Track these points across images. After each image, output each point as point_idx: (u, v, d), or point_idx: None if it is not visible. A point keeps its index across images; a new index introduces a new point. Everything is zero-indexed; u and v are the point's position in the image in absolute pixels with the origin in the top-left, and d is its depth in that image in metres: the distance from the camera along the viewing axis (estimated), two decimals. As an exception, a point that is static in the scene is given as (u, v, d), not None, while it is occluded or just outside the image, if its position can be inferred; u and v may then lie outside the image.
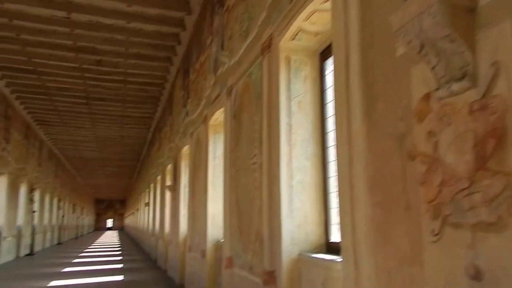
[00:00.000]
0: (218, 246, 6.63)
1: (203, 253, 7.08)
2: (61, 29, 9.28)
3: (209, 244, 6.83)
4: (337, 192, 2.83)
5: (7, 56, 10.92)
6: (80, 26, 9.14)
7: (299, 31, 3.78)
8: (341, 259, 2.69)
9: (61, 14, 8.73)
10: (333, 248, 3.62)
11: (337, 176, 2.82)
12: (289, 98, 3.98)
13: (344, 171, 2.69)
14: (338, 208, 2.83)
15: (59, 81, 12.77)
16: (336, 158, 2.84)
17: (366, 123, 2.50)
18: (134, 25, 9.11)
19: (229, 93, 5.78)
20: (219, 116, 6.84)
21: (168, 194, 12.86)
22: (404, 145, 2.17)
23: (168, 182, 12.42)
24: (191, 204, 8.63)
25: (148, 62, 11.11)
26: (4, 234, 14.49)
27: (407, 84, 2.15)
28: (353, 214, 2.55)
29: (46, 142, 21.50)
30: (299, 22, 3.63)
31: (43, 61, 11.06)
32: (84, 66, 11.34)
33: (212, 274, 6.77)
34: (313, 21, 3.63)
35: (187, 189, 9.91)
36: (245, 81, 5.04)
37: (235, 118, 5.46)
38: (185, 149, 10.03)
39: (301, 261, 3.63)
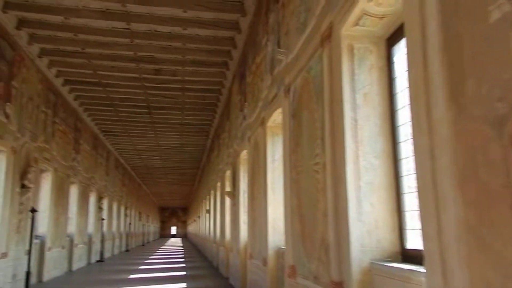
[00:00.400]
0: (280, 253, 6.34)
1: (265, 261, 6.82)
2: (121, 40, 9.55)
3: (271, 251, 6.56)
4: (416, 192, 2.44)
5: (75, 70, 11.48)
6: (139, 36, 9.34)
7: (363, 14, 3.42)
8: (425, 270, 2.29)
9: (121, 25, 8.97)
10: (410, 257, 3.20)
11: (415, 174, 2.43)
12: (353, 91, 3.62)
13: (425, 166, 2.30)
14: (419, 210, 2.43)
15: (122, 92, 13.22)
16: (413, 153, 2.46)
17: (452, 108, 2.10)
18: (190, 31, 9.15)
19: (287, 91, 5.50)
20: (276, 118, 6.58)
21: (228, 200, 12.80)
22: (505, 130, 1.76)
23: (228, 188, 12.36)
24: (250, 209, 8.43)
25: (205, 68, 11.15)
26: (76, 241, 15.21)
27: (507, 54, 1.74)
28: (439, 216, 2.15)
29: (113, 152, 22.50)
30: (363, 3, 3.28)
31: (107, 73, 11.49)
32: (144, 75, 11.62)
33: (274, 283, 6.48)
34: (379, 1, 3.26)
35: (246, 195, 9.74)
36: (304, 76, 4.74)
37: (294, 117, 5.17)
38: (243, 154, 9.88)
39: (374, 271, 3.24)
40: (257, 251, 7.67)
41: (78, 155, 15.35)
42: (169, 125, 17.09)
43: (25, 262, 10.00)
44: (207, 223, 22.25)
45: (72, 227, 15.02)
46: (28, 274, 9.76)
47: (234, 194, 10.88)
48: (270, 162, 6.83)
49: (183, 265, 17.36)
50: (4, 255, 9.03)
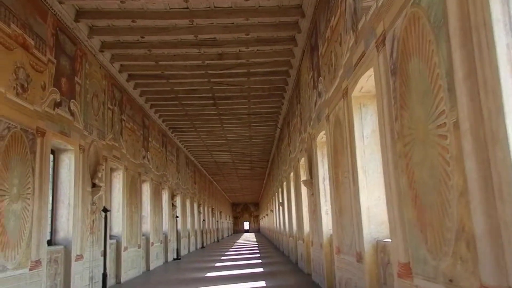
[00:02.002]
0: (380, 247, 5.19)
1: (359, 256, 5.71)
2: (181, 22, 8.88)
3: (367, 245, 5.43)
4: None
5: (137, 63, 11.08)
6: (198, 14, 8.59)
7: None
8: None
9: (179, 4, 8.28)
10: None
11: None
12: (508, 5, 2.42)
13: None
14: None
15: (186, 83, 12.68)
16: None
17: None
18: (252, 2, 8.22)
19: (381, 43, 4.34)
20: (365, 84, 5.43)
21: (304, 191, 11.77)
22: None
23: (303, 177, 11.32)
24: (334, 198, 7.33)
25: (270, 46, 10.19)
26: (151, 240, 15.05)
27: None
28: None
29: (182, 149, 22.40)
30: None
31: (169, 62, 10.95)
32: (207, 61, 10.93)
33: (374, 283, 5.35)
34: None
35: (327, 182, 8.65)
36: (411, 12, 3.56)
37: (396, 74, 4.00)
38: (321, 137, 8.78)
39: None
40: (346, 245, 6.56)
41: (148, 153, 15.16)
42: (236, 116, 16.41)
43: (101, 263, 9.74)
44: (281, 216, 21.39)
45: (147, 226, 14.87)
46: (104, 275, 9.47)
47: (312, 183, 9.81)
48: (358, 139, 5.69)
49: (259, 260, 16.65)
50: (80, 257, 8.77)
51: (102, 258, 9.79)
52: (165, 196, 18.21)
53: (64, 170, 8.67)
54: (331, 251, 8.38)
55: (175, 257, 18.92)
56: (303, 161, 11.71)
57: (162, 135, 17.71)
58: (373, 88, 5.48)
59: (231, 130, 18.71)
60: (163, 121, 16.90)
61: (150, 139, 15.54)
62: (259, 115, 16.41)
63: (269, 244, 29.84)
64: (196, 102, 14.51)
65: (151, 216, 15.30)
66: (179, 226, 20.81)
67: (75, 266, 8.49)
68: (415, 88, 3.56)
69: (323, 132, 8.36)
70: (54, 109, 7.90)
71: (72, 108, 8.69)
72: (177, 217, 19.63)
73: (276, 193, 23.43)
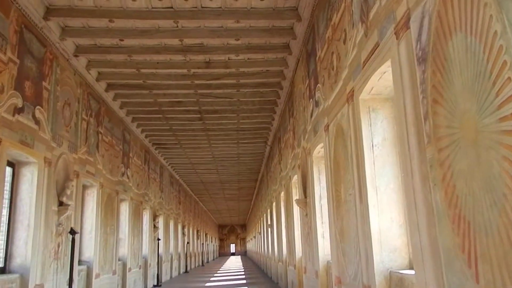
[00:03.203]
0: (396, 280, 4.25)
1: (368, 291, 4.75)
2: (164, 23, 8.01)
3: (379, 277, 4.48)
4: None
5: (115, 70, 10.15)
6: (184, 15, 7.75)
7: None
8: None
9: (161, 3, 7.45)
10: None
11: None
12: None
13: None
14: None
15: (170, 94, 11.77)
16: None
17: None
18: (243, 2, 7.43)
19: (403, 27, 3.51)
20: (376, 83, 4.58)
21: (296, 211, 10.81)
22: None
23: (296, 197, 10.38)
24: (334, 219, 6.39)
25: (262, 54, 9.38)
26: (129, 265, 13.82)
27: None
28: None
29: (166, 167, 21.31)
30: None
31: (151, 70, 10.05)
32: (193, 70, 10.06)
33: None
34: None
35: (324, 201, 7.73)
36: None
37: (426, 60, 3.15)
38: (317, 151, 7.91)
39: None
40: (350, 276, 5.59)
41: (128, 170, 14.09)
42: (224, 132, 15.50)
43: (67, 292, 8.56)
44: (269, 239, 20.27)
45: (124, 250, 13.65)
46: (69, 307, 8.28)
47: (306, 202, 8.87)
48: (367, 150, 4.81)
49: (247, 288, 15.47)
50: (40, 287, 7.60)
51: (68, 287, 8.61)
52: (146, 217, 17.02)
53: (25, 185, 7.58)
54: (329, 281, 7.39)
55: (155, 283, 17.58)
56: (295, 179, 10.79)
57: (145, 151, 16.66)
58: (386, 89, 4.65)
59: (219, 147, 17.77)
60: (146, 136, 15.89)
61: (131, 155, 14.48)
62: (248, 131, 15.53)
63: (256, 269, 28.53)
64: (182, 116, 13.58)
65: (129, 239, 14.10)
66: (161, 250, 19.53)
67: (33, 298, 7.32)
68: (460, 73, 2.70)
69: (321, 145, 7.49)
70: (13, 115, 6.88)
71: (37, 116, 7.67)
72: (158, 239, 18.38)
73: (265, 214, 22.37)
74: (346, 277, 5.79)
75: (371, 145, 4.82)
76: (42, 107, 7.86)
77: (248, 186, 29.15)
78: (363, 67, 4.68)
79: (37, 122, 7.67)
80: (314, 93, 7.59)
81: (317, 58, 7.24)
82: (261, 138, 16.65)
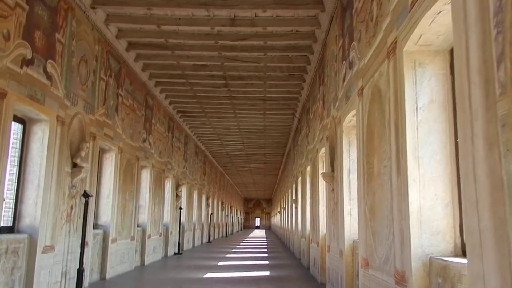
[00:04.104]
0: (438, 268, 3.53)
1: (401, 277, 4.05)
2: (184, -28, 7.28)
3: (416, 263, 3.77)
4: None
5: (135, 26, 9.52)
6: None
7: None
8: None
9: None
10: None
11: None
12: None
13: None
14: None
15: (194, 57, 11.12)
16: None
17: None
18: None
19: None
20: (426, 29, 3.75)
21: (322, 187, 10.12)
22: None
23: (323, 170, 9.67)
24: (364, 195, 5.66)
25: (292, 10, 8.51)
26: (148, 232, 13.59)
27: None
28: None
29: (191, 137, 20.92)
30: None
31: (173, 27, 9.38)
32: (218, 28, 9.32)
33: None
34: None
35: (353, 175, 6.99)
36: None
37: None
38: (348, 120, 7.12)
39: None
40: (379, 258, 4.90)
41: (150, 136, 13.69)
42: (250, 101, 14.79)
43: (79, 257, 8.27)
44: (293, 214, 19.74)
45: (144, 217, 13.41)
46: (80, 271, 7.99)
47: (333, 176, 8.16)
48: (410, 113, 4.02)
49: (267, 262, 15.05)
50: (49, 248, 7.31)
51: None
52: (168, 185, 16.75)
53: (36, 144, 7.19)
54: (354, 262, 6.73)
55: (176, 251, 17.46)
56: (323, 152, 10.05)
57: (169, 119, 16.22)
58: (437, 37, 3.83)
59: (244, 117, 17.11)
60: (169, 103, 15.39)
61: (153, 121, 14.05)
62: (275, 101, 14.76)
63: (279, 243, 28.25)
64: (206, 82, 12.95)
65: (150, 206, 13.84)
66: (183, 219, 19.36)
67: (41, 259, 7.03)
68: None
69: (353, 113, 6.70)
70: (21, 67, 6.41)
71: (49, 71, 7.19)
72: (181, 208, 18.16)
73: (290, 189, 21.79)
74: (375, 259, 5.10)
75: (415, 107, 4.02)
76: (55, 61, 7.37)
77: (274, 161, 28.55)
78: (411, 8, 3.84)
79: (48, 77, 7.20)
80: (348, 53, 6.75)
81: (353, 10, 6.36)
82: (289, 109, 15.87)
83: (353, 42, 6.40)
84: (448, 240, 3.78)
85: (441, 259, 3.52)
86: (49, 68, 7.19)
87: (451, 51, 3.97)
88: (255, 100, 14.67)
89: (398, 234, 4.14)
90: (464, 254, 3.67)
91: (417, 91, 4.05)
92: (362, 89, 5.80)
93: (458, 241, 3.75)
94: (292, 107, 15.43)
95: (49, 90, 7.24)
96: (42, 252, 7.06)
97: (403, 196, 4.02)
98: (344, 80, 7.14)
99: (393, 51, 4.38)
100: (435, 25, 3.66)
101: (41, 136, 7.23)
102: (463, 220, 2.78)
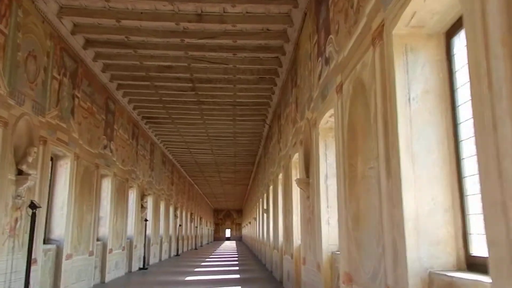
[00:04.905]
0: (443, 286, 2.96)
1: (393, 296, 3.46)
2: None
3: (414, 280, 3.19)
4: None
5: (93, 21, 8.72)
6: None
7: None
8: None
9: None
10: None
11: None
12: None
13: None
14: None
15: (159, 57, 10.39)
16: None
17: None
18: None
19: None
20: (420, 5, 3.23)
21: (295, 194, 9.54)
22: None
23: (297, 176, 9.09)
24: (346, 201, 5.09)
25: (263, 6, 7.96)
26: (110, 246, 12.59)
27: None
28: None
29: (158, 145, 19.99)
30: None
31: (135, 23, 8.64)
32: (183, 25, 8.65)
33: None
34: None
35: (332, 181, 6.43)
36: None
37: None
38: (325, 121, 6.58)
39: None
40: (366, 274, 4.32)
41: (112, 143, 12.76)
42: (219, 106, 14.13)
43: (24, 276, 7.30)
44: (264, 225, 19.08)
45: (104, 229, 12.42)
46: (24, 293, 7.04)
47: (308, 183, 7.58)
48: (402, 104, 3.47)
49: (237, 275, 14.29)
50: (-13, 268, 6.34)
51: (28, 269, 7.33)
52: (133, 196, 15.77)
53: (-29, 147, 6.27)
54: (334, 276, 6.14)
55: (141, 266, 16.41)
56: (296, 158, 9.49)
57: (133, 125, 15.32)
58: (432, 17, 3.33)
59: (214, 124, 16.41)
60: (134, 108, 14.52)
61: (115, 126, 13.14)
62: (246, 106, 14.17)
63: (250, 254, 27.46)
64: (172, 85, 12.21)
65: (111, 218, 12.85)
66: (149, 231, 18.34)
67: (-24, 282, 6.07)
68: None
69: (330, 113, 6.16)
70: (-49, 57, 5.53)
71: (-13, 64, 6.32)
72: (146, 220, 17.16)
73: (261, 199, 21.14)
74: (360, 275, 4.51)
75: (408, 98, 3.49)
76: (-6, 54, 6.49)
77: (245, 170, 27.89)
78: (402, -15, 3.32)
79: (-13, 71, 6.31)
80: (325, 48, 6.23)
81: (329, 1, 5.85)
82: (260, 115, 15.30)
83: (330, 36, 5.88)
84: (450, 251, 3.23)
85: (445, 275, 2.96)
86: (-12, 62, 6.31)
87: (447, 34, 3.48)
88: (224, 105, 14.03)
89: (390, 246, 3.56)
90: (469, 268, 3.13)
91: (409, 80, 3.52)
92: (341, 85, 5.26)
93: (462, 252, 3.20)
94: (263, 113, 14.88)
95: (-12, 86, 6.34)
96: (-23, 273, 6.11)
97: (395, 202, 3.46)
98: (319, 79, 6.61)
99: (379, 36, 3.85)
100: (430, 1, 3.15)
101: (-23, 139, 6.31)
102: (485, 229, 2.21)
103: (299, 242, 9.27)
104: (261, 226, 21.80)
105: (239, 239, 67.66)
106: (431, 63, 3.50)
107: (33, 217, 7.31)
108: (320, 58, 6.60)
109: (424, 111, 3.44)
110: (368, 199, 4.22)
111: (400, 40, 3.55)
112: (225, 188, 39.59)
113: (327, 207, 6.53)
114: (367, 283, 4.23)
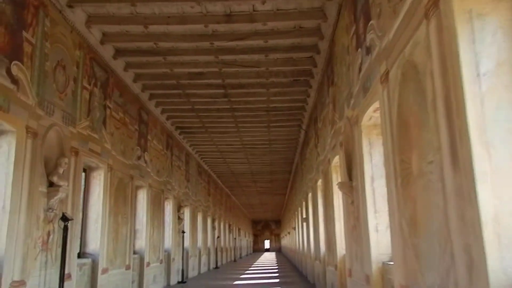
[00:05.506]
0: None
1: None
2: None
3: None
4: None
5: (121, 28, 8.56)
6: None
7: None
8: None
9: None
10: None
11: None
12: None
13: None
14: None
15: (189, 63, 10.13)
16: None
17: None
18: None
19: None
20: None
21: (337, 200, 8.91)
22: None
23: (337, 181, 8.46)
24: (399, 204, 4.47)
25: (294, 1, 7.50)
26: (147, 259, 12.34)
27: None
28: None
29: (193, 155, 19.81)
30: None
31: (162, 27, 8.40)
32: (212, 27, 8.33)
33: None
34: None
35: (379, 183, 5.82)
36: None
37: None
38: (368, 117, 5.99)
39: None
40: (429, 287, 3.69)
41: (146, 153, 12.59)
42: (252, 113, 13.72)
43: (58, 292, 7.07)
44: (304, 234, 18.38)
45: (141, 242, 12.19)
46: (58, 310, 6.79)
47: (351, 186, 6.97)
48: (469, 82, 2.89)
49: (279, 288, 13.68)
50: (19, 284, 6.11)
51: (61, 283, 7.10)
52: (169, 207, 15.55)
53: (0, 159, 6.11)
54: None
55: (180, 280, 16.10)
56: (336, 161, 8.88)
57: (167, 136, 15.16)
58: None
59: (248, 132, 16.02)
60: (167, 118, 14.35)
61: (149, 137, 12.98)
62: (280, 111, 13.68)
63: (291, 267, 26.71)
64: (204, 92, 11.92)
65: (148, 230, 12.62)
66: (187, 243, 18.06)
67: (7, 299, 5.85)
68: None
69: (373, 107, 5.58)
70: (-24, 67, 5.39)
71: (14, 73, 6.16)
72: (183, 232, 16.89)
73: (300, 207, 20.48)
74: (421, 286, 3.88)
75: (477, 74, 2.89)
76: (22, 63, 6.35)
77: (281, 178, 27.32)
78: None
79: (14, 81, 6.16)
80: (365, 37, 5.67)
81: (370, -16, 5.31)
82: (295, 121, 14.77)
83: (371, 22, 5.32)
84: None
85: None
86: (15, 71, 6.16)
87: (523, -6, 2.87)
88: (258, 111, 13.60)
89: (462, 254, 2.94)
90: None
91: (477, 52, 2.92)
92: (387, 73, 4.68)
93: None
94: (298, 117, 14.34)
95: (15, 96, 6.19)
96: (9, 289, 5.88)
97: (467, 199, 2.85)
98: (360, 71, 6.04)
99: (434, 5, 3.28)
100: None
101: (6, 150, 6.14)
102: None
103: (343, 252, 8.61)
104: (300, 236, 21.10)
105: (278, 250, 66.74)
106: (504, 29, 2.90)
107: (65, 230, 7.08)
108: (359, 49, 6.04)
109: (499, 88, 2.83)
110: (428, 199, 3.61)
111: (462, 4, 2.98)
112: (262, 198, 39.10)
113: (375, 212, 5.89)
114: (432, 299, 3.59)
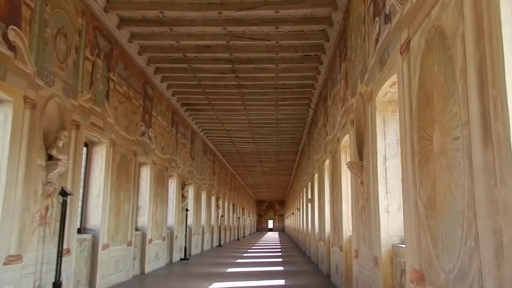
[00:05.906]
0: None
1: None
2: None
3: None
4: None
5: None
6: None
7: None
8: None
9: None
10: None
11: None
12: None
13: None
14: None
15: (196, 35, 9.74)
16: None
17: None
18: None
19: None
20: None
21: (346, 180, 8.62)
22: None
23: (346, 160, 8.15)
24: (415, 183, 4.17)
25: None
26: (149, 236, 12.22)
27: None
28: None
29: (199, 134, 19.55)
30: None
31: (168, -3, 8.01)
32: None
33: None
34: None
35: (392, 163, 5.52)
36: None
37: None
38: (383, 92, 5.65)
39: None
40: (447, 273, 3.41)
41: (150, 130, 12.32)
42: (260, 90, 13.35)
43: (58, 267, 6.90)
44: (309, 215, 18.21)
45: (143, 219, 12.04)
46: (56, 285, 6.63)
47: (361, 166, 6.66)
48: (511, 44, 2.54)
49: (281, 268, 13.56)
50: (15, 258, 5.94)
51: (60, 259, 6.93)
52: (173, 185, 15.38)
53: (-5, 129, 5.86)
54: (395, 273, 5.23)
55: (183, 257, 16.06)
56: (346, 140, 8.56)
57: (173, 112, 14.86)
58: None
59: (255, 110, 15.68)
60: (172, 94, 14.03)
61: (154, 113, 12.69)
62: (288, 89, 13.30)
63: (294, 246, 26.70)
64: (211, 67, 11.56)
65: (151, 207, 12.47)
66: (190, 221, 17.98)
67: (3, 272, 5.67)
68: None
69: (391, 81, 5.22)
70: (-31, 29, 5.08)
71: (11, 39, 5.85)
72: (187, 210, 16.76)
73: (305, 188, 20.26)
74: (437, 273, 3.60)
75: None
76: (20, 28, 6.03)
77: (287, 159, 27.05)
78: None
79: (11, 47, 5.86)
80: (384, 4, 5.27)
81: None
82: (304, 99, 14.39)
83: (391, -12, 4.92)
84: None
85: None
86: (12, 36, 5.85)
87: None
88: (266, 89, 13.24)
89: (490, 237, 2.64)
90: None
91: (519, 10, 2.56)
92: (409, 42, 4.32)
93: None
94: (307, 96, 13.95)
95: (12, 63, 5.89)
96: (4, 264, 5.71)
97: (499, 179, 2.53)
98: (377, 42, 5.66)
99: (470, -39, 2.90)
100: None
101: (2, 120, 5.88)
102: None
103: (349, 233, 8.38)
104: (305, 217, 20.95)
105: (281, 230, 67.11)
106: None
107: (64, 205, 6.88)
108: (377, 18, 5.65)
109: (544, 52, 2.48)
110: (451, 178, 3.30)
111: (505, -43, 2.60)
112: (267, 179, 38.97)
113: (386, 193, 5.61)
114: (449, 284, 3.32)
